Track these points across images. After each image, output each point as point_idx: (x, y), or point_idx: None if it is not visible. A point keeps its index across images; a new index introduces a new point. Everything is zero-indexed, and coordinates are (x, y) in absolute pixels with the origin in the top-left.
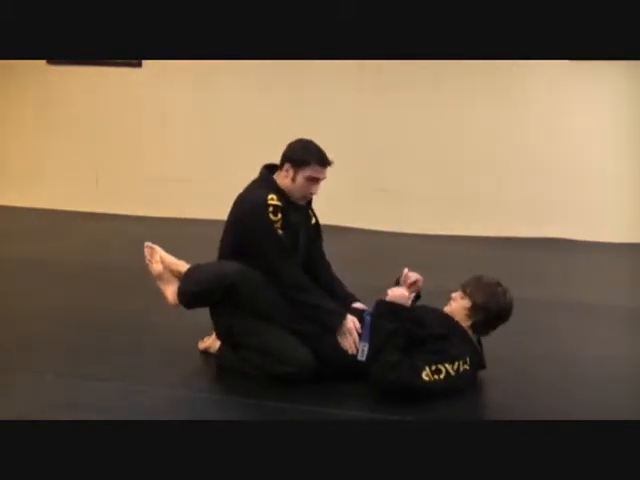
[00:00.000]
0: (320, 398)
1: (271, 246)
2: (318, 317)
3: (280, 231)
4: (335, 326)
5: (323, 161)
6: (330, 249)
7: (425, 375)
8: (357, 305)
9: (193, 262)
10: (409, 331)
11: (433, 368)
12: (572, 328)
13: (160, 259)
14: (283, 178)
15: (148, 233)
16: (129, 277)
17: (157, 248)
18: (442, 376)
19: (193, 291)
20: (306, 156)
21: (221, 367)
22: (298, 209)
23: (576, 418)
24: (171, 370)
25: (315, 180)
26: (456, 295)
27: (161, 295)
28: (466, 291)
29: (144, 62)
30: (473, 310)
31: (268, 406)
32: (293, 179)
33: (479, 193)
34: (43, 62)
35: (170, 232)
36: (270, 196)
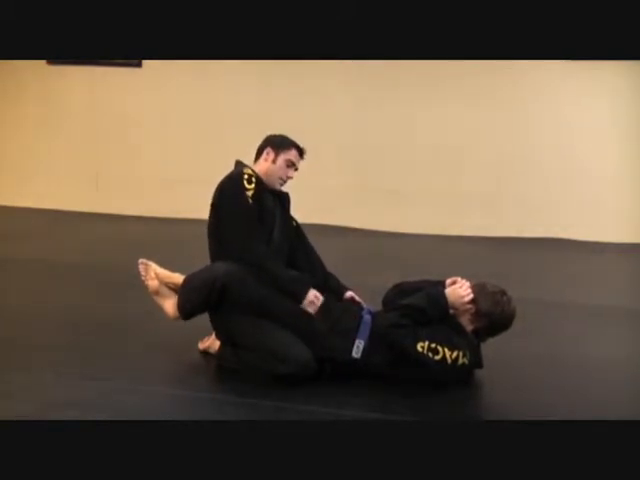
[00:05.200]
0: (320, 398)
1: (239, 213)
2: (282, 286)
3: (250, 200)
4: (299, 295)
5: (301, 150)
6: (330, 249)
7: (420, 347)
8: (349, 294)
9: (193, 263)
10: (429, 320)
11: (432, 346)
12: (572, 328)
13: (155, 274)
14: (263, 162)
15: (148, 233)
16: (129, 277)
17: (151, 264)
18: (438, 357)
19: (190, 303)
20: (287, 141)
21: (221, 367)
22: (274, 199)
23: (576, 418)
24: (171, 370)
25: (292, 164)
26: None
27: (159, 310)
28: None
29: (144, 62)
30: (476, 316)
31: (268, 406)
32: (274, 161)
33: (479, 193)
34: (43, 62)
35: (170, 232)
36: (246, 169)
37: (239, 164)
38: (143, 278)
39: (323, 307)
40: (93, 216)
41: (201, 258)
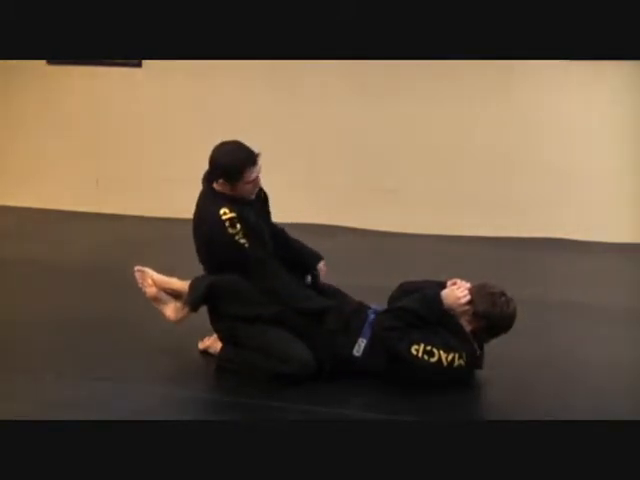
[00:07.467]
0: (320, 398)
1: (241, 260)
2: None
3: (243, 240)
4: None
5: (253, 161)
6: (330, 249)
7: (414, 350)
8: (321, 265)
9: (193, 263)
10: (425, 321)
11: (428, 348)
12: (572, 328)
13: (152, 281)
14: (222, 189)
15: (148, 233)
16: (129, 277)
17: (147, 270)
18: (433, 360)
19: (197, 292)
20: (237, 167)
21: (221, 367)
22: (252, 206)
23: (575, 418)
24: (170, 370)
25: (254, 180)
26: None
27: (160, 315)
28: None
29: (144, 62)
30: (474, 317)
31: (268, 406)
32: (233, 189)
33: (479, 193)
34: (43, 62)
35: (170, 232)
36: (222, 210)
37: (205, 187)
38: (140, 286)
39: (334, 312)
40: (93, 216)
41: None
